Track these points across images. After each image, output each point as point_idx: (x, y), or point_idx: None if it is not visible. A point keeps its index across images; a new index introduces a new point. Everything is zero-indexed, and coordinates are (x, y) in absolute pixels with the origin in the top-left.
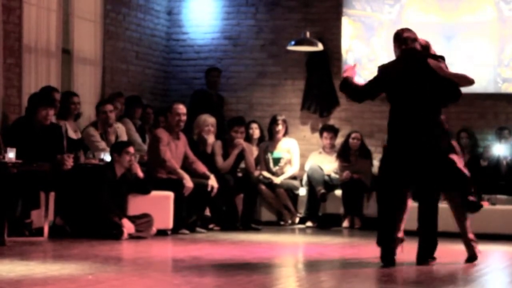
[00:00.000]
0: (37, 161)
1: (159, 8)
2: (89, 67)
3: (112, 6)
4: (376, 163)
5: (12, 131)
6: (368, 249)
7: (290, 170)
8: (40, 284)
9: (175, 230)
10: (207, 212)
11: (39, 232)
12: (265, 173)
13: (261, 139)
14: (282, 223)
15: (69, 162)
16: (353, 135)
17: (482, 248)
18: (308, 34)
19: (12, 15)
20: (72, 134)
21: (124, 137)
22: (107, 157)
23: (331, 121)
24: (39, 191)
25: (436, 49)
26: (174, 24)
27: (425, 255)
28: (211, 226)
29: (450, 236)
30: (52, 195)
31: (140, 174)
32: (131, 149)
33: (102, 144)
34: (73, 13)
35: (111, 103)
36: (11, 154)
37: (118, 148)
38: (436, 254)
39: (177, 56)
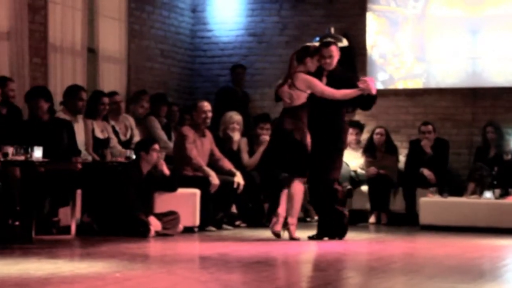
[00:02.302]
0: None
1: (184, 6)
2: (114, 66)
3: (136, 5)
4: (402, 158)
5: (22, 129)
6: (395, 245)
7: None
8: (68, 282)
9: (202, 227)
10: (234, 209)
11: (66, 230)
12: None
13: None
14: (308, 219)
15: (78, 165)
16: (377, 130)
17: (505, 242)
18: (332, 30)
19: (37, 15)
20: (99, 134)
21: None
22: (133, 155)
23: (357, 117)
24: (66, 189)
25: (461, 43)
26: (199, 22)
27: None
28: (237, 223)
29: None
30: (79, 193)
31: (167, 171)
32: (157, 146)
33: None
34: (98, 12)
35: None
36: (38, 153)
37: (144, 146)
38: (466, 249)
39: (202, 54)
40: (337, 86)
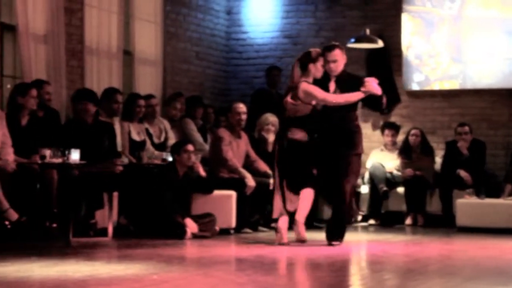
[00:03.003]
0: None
1: (219, 8)
2: (150, 68)
3: (172, 7)
4: (438, 159)
5: (63, 131)
6: (432, 247)
7: None
8: (105, 284)
9: (238, 229)
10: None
11: (103, 232)
12: None
13: None
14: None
15: (118, 167)
16: (412, 131)
17: None
18: (368, 31)
19: (74, 18)
20: (135, 136)
21: (169, 133)
22: (169, 157)
23: (392, 118)
24: (103, 191)
25: (497, 44)
26: (234, 24)
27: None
28: (273, 225)
29: None
30: (115, 195)
31: (203, 173)
32: (189, 147)
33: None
34: (134, 15)
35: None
36: (74, 156)
37: (176, 148)
38: (503, 251)
39: (237, 56)
40: (346, 90)
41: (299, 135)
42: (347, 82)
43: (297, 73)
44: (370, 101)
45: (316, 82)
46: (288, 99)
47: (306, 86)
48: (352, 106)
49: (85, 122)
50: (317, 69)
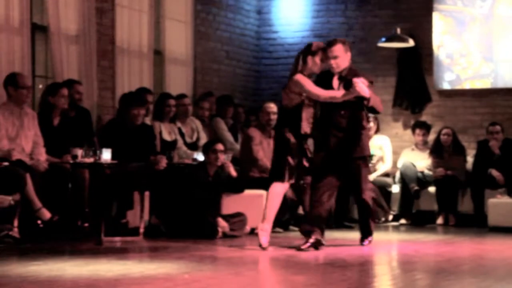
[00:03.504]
0: (131, 161)
1: (249, 8)
2: (180, 68)
3: (202, 7)
4: (469, 159)
5: (105, 132)
6: (464, 247)
7: (383, 167)
8: (137, 283)
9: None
10: (300, 210)
11: (135, 231)
12: None
13: None
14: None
15: (162, 163)
16: (443, 131)
17: None
18: (399, 30)
19: (105, 18)
20: (167, 136)
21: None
22: (200, 157)
23: (423, 118)
24: (134, 191)
25: None
26: (264, 23)
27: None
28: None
29: None
30: (147, 195)
31: (233, 173)
32: (218, 147)
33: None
34: (164, 15)
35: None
36: (106, 155)
37: (206, 148)
38: None
39: (267, 55)
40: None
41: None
42: (350, 80)
43: (295, 66)
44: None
45: (320, 78)
46: (283, 92)
47: (298, 77)
48: (359, 105)
49: (131, 124)
50: (314, 63)
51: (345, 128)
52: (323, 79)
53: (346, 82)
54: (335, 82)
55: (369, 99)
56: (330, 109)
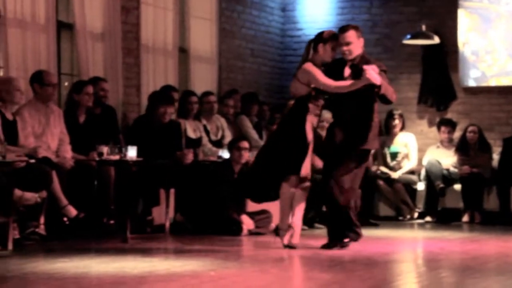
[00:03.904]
0: (157, 159)
1: (274, 5)
2: (205, 65)
3: (227, 4)
4: (496, 156)
5: (133, 129)
6: (489, 244)
7: (408, 165)
8: (163, 280)
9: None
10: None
11: (160, 229)
12: (383, 168)
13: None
14: (400, 218)
15: (190, 157)
16: (469, 128)
17: None
18: (424, 27)
19: (130, 15)
20: (191, 134)
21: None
22: (225, 154)
23: (449, 115)
24: (159, 188)
25: None
26: (289, 21)
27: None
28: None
29: None
30: (172, 192)
31: None
32: (242, 144)
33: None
34: (189, 12)
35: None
36: (132, 152)
37: (230, 145)
38: None
39: (292, 53)
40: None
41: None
42: (361, 68)
43: (307, 54)
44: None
45: (331, 67)
46: (293, 80)
47: (307, 66)
48: (370, 96)
49: (159, 121)
50: (326, 51)
51: (352, 120)
52: (334, 68)
53: (356, 70)
54: (347, 71)
55: (380, 86)
56: (339, 100)
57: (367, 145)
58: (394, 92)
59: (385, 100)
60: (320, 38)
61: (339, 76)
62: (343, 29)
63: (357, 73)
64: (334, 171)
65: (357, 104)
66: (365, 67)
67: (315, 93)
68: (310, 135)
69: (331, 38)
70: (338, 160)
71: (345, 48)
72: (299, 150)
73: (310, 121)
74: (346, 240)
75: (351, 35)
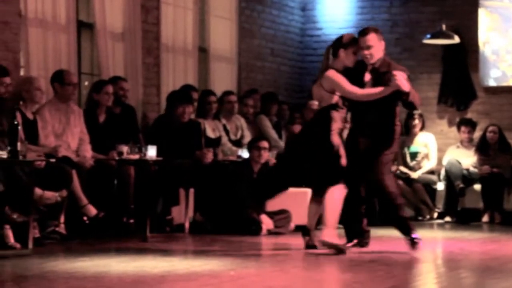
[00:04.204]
0: (177, 158)
1: (293, 5)
2: (225, 65)
3: (247, 4)
4: None
5: (153, 128)
6: (510, 245)
7: (428, 165)
8: (183, 279)
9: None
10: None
11: (180, 228)
12: (402, 168)
13: None
14: (420, 218)
15: (209, 156)
16: (490, 128)
17: None
18: (444, 27)
19: (150, 15)
20: (210, 133)
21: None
22: (244, 154)
23: (469, 115)
24: (179, 188)
25: None
26: (308, 20)
27: None
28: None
29: None
30: (191, 191)
31: None
32: (261, 144)
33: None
34: (209, 12)
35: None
36: (152, 152)
37: (250, 144)
38: None
39: (312, 52)
40: (382, 83)
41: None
42: (385, 73)
43: (327, 60)
44: (399, 98)
45: (351, 72)
46: (315, 87)
47: (332, 74)
48: (394, 100)
49: (178, 121)
50: (347, 56)
51: (376, 126)
52: (353, 73)
53: (377, 75)
54: (367, 76)
55: (409, 93)
56: (360, 106)
57: (392, 150)
58: (419, 98)
59: (411, 106)
60: (340, 43)
61: (359, 81)
62: (364, 32)
63: (378, 78)
64: (372, 180)
65: (379, 109)
66: (394, 72)
67: (341, 101)
68: (338, 144)
69: (351, 42)
70: (365, 168)
71: (366, 52)
72: (334, 161)
73: (336, 130)
74: (415, 235)
75: (372, 38)
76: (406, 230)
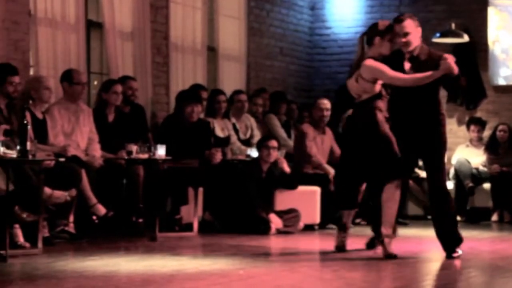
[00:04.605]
0: (186, 158)
1: (302, 4)
2: (234, 64)
3: (255, 3)
4: None
5: (162, 128)
6: None
7: None
8: (192, 278)
9: (322, 225)
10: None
11: (188, 227)
12: None
13: None
14: (429, 217)
15: (218, 156)
16: (500, 127)
17: None
18: (453, 25)
19: (159, 14)
20: (219, 132)
21: (254, 129)
22: (254, 153)
23: (478, 114)
24: (188, 187)
25: None
26: (318, 19)
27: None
28: (357, 220)
29: None
30: (200, 191)
31: (287, 169)
32: (270, 143)
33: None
34: (218, 11)
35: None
36: (161, 151)
37: (259, 143)
38: None
39: (321, 51)
40: (423, 70)
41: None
42: (425, 61)
43: (361, 50)
44: (446, 82)
45: (387, 61)
46: (352, 80)
47: (371, 62)
48: (435, 90)
49: (187, 120)
50: (384, 44)
51: (421, 117)
52: (390, 63)
53: (418, 63)
54: (407, 64)
55: (459, 76)
56: (403, 96)
57: (444, 149)
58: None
59: (458, 92)
60: (376, 30)
61: (398, 70)
62: (399, 19)
63: (419, 66)
64: (431, 179)
65: (421, 97)
66: (445, 55)
67: (385, 90)
68: (389, 134)
69: (387, 29)
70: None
71: (403, 39)
72: (393, 153)
73: (383, 120)
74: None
75: (408, 24)
76: (454, 245)
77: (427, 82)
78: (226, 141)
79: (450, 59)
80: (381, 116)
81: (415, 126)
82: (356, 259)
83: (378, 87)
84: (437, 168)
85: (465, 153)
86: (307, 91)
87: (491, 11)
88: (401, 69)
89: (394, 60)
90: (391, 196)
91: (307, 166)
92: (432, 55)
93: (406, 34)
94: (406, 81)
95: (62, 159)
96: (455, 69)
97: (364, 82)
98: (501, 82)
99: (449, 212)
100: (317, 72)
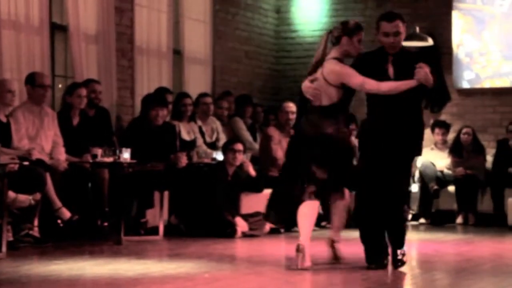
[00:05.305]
0: (152, 161)
1: (268, 7)
2: (199, 67)
3: (221, 6)
4: (489, 158)
5: (128, 131)
6: (484, 246)
7: None
8: (157, 282)
9: (288, 228)
10: (320, 209)
11: (154, 231)
12: None
13: None
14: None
15: (184, 160)
16: (464, 130)
17: None
18: (417, 29)
19: (124, 17)
20: (185, 136)
21: (220, 133)
22: (219, 156)
23: (443, 117)
24: (153, 190)
25: None
26: (283, 22)
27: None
28: (323, 223)
29: None
30: (166, 194)
31: (252, 172)
32: (235, 146)
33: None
34: (183, 14)
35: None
36: (126, 155)
37: (224, 147)
38: None
39: (286, 54)
40: (406, 73)
41: (332, 129)
42: (406, 63)
43: (325, 49)
44: (427, 94)
45: (372, 63)
46: (307, 82)
47: (335, 65)
48: (419, 94)
49: (153, 124)
50: (352, 44)
51: (402, 127)
52: (368, 64)
53: (401, 68)
54: (390, 69)
55: (433, 88)
56: (383, 103)
57: (418, 153)
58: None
59: (438, 103)
60: (346, 29)
61: (381, 73)
62: (390, 17)
63: (404, 71)
64: (394, 189)
65: (403, 107)
66: (420, 64)
67: (347, 96)
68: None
69: (357, 29)
70: (386, 174)
71: (392, 39)
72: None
73: (337, 134)
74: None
75: (400, 24)
76: (402, 242)
77: (402, 91)
78: (192, 144)
79: (425, 69)
80: (335, 130)
81: (396, 134)
82: (321, 263)
83: (341, 93)
84: (404, 174)
85: (430, 156)
86: (273, 94)
87: (455, 15)
88: (384, 72)
89: (378, 61)
90: (307, 213)
91: (273, 169)
92: (410, 56)
93: (397, 34)
94: (380, 89)
95: (26, 163)
96: (431, 80)
97: (327, 86)
98: (465, 85)
99: (401, 219)
100: (282, 75)
